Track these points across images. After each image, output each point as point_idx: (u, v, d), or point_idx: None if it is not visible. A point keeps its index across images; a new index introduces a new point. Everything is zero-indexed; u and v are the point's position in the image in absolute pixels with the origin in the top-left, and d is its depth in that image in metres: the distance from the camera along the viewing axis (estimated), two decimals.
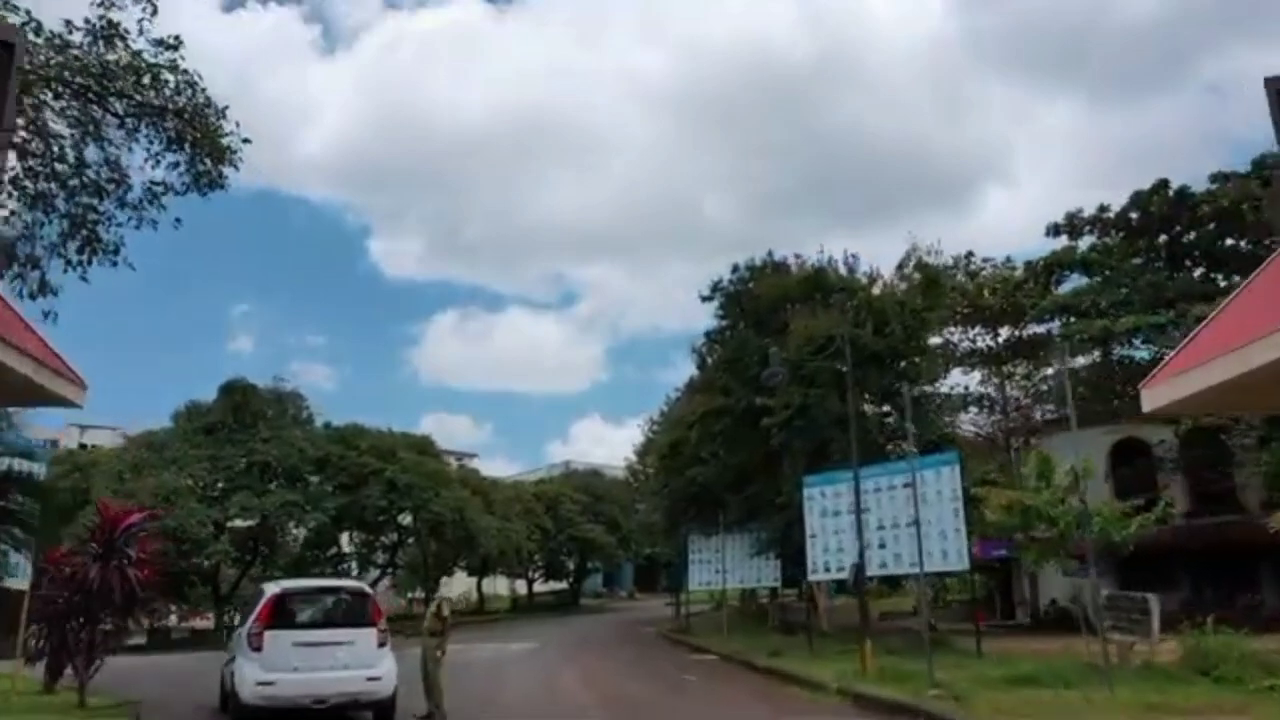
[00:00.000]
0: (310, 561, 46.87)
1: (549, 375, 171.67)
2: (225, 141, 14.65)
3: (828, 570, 21.74)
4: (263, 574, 48.00)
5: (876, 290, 25.10)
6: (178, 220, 15.08)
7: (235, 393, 43.75)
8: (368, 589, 16.08)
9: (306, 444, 43.26)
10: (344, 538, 48.46)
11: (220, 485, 41.62)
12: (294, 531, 42.31)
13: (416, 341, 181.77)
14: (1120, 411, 34.01)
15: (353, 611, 14.39)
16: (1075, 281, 34.57)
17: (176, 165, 15.24)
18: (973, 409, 37.85)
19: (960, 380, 37.57)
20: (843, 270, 26.78)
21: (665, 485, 35.50)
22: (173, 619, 45.42)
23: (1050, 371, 35.07)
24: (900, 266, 25.94)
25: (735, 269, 31.22)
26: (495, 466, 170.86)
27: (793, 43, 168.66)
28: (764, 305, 28.41)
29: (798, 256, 28.30)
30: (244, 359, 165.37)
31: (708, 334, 31.44)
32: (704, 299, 31.44)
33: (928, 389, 21.68)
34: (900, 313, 22.77)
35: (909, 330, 22.77)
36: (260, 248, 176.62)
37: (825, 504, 22.02)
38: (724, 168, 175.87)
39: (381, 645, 13.97)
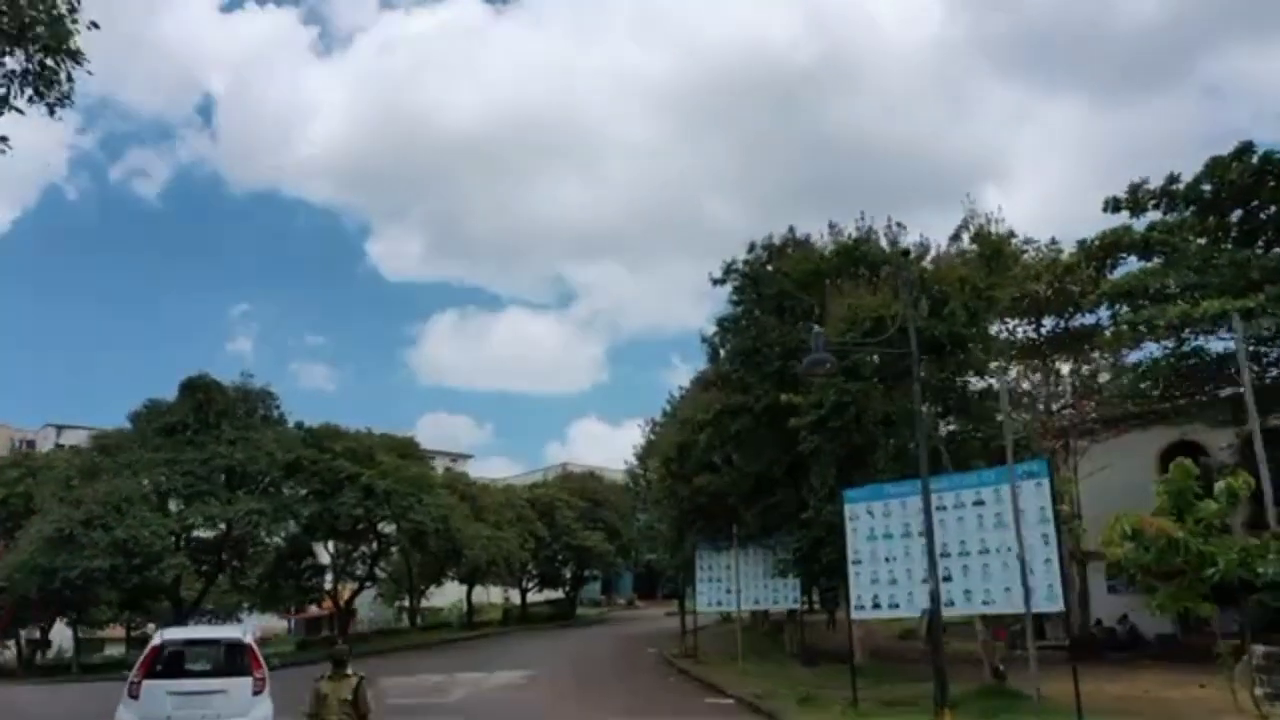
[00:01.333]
0: (285, 574, 42.63)
1: (548, 376, 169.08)
2: (70, 29, 10.37)
3: (877, 606, 17.38)
4: (233, 585, 43.89)
5: (928, 264, 20.73)
6: None
7: (197, 391, 39.39)
8: (246, 639, 15.50)
9: (276, 446, 38.89)
10: (323, 546, 44.11)
11: (179, 492, 37.27)
12: (267, 540, 37.84)
13: (415, 342, 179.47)
14: (1184, 410, 29.65)
15: (229, 662, 14.76)
16: (1128, 265, 30.28)
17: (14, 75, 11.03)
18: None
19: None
20: (884, 243, 22.47)
21: (671, 493, 31.16)
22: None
23: (1102, 365, 30.63)
24: (955, 237, 21.75)
25: (752, 248, 26.92)
26: (494, 466, 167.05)
27: (794, 43, 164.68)
28: (789, 286, 24.13)
29: (832, 227, 23.93)
30: (244, 359, 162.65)
31: (721, 322, 27.13)
32: (716, 282, 27.14)
33: (991, 383, 17.39)
34: (961, 291, 18.45)
35: (972, 312, 18.44)
36: (260, 250, 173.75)
37: (873, 524, 17.66)
38: (725, 168, 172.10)
39: (257, 693, 14.39)
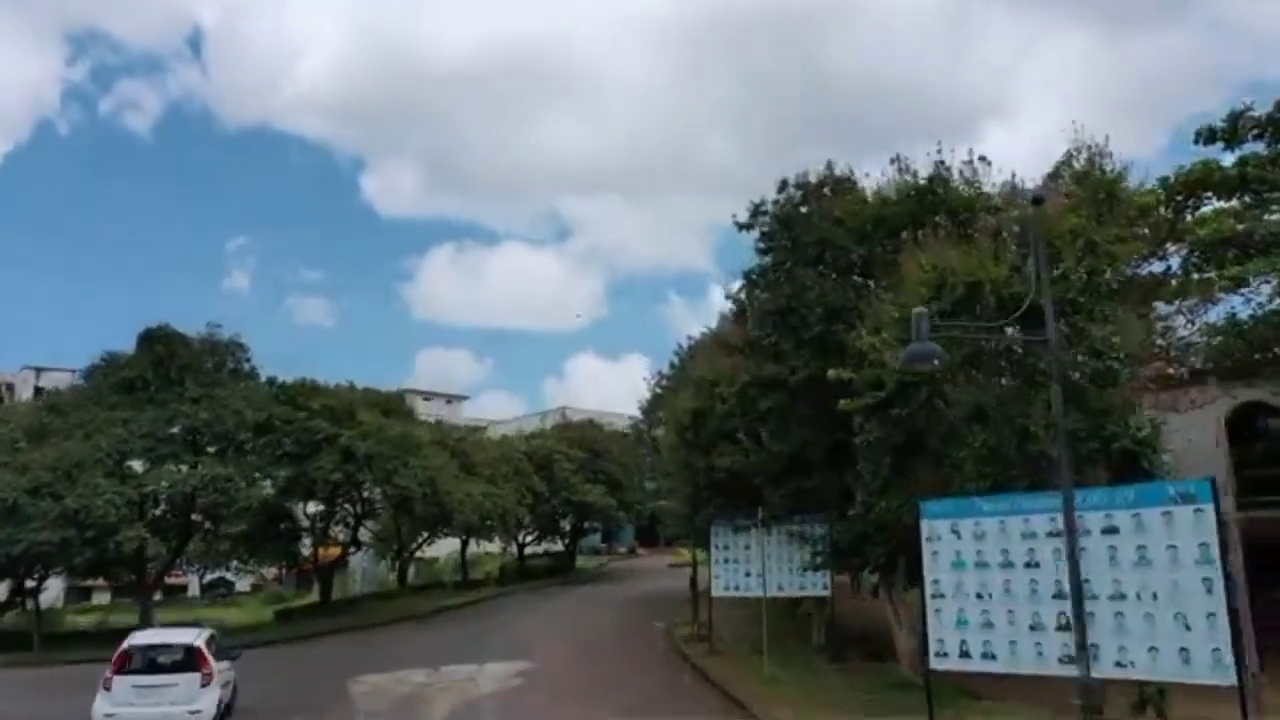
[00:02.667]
0: (264, 535, 38.83)
1: (545, 312, 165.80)
2: None
3: (965, 655, 13.39)
4: (205, 552, 40.24)
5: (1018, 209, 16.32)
6: None
7: (156, 343, 35.11)
8: (197, 643, 17.97)
9: (245, 404, 34.77)
10: (304, 508, 40.31)
11: (137, 455, 33.23)
12: (242, 503, 33.78)
13: (412, 277, 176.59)
14: (1253, 369, 25.60)
15: (182, 661, 17.55)
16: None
17: None
18: None
19: None
20: (958, 183, 17.99)
21: (685, 465, 27.14)
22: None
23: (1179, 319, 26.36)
24: (1054, 176, 17.36)
25: (783, 186, 22.43)
26: (492, 402, 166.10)
27: None
28: (838, 235, 19.79)
29: (894, 161, 19.26)
30: (240, 295, 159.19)
31: (748, 275, 22.74)
32: (741, 226, 22.71)
33: (1115, 365, 13.22)
34: (1072, 246, 14.09)
35: (1091, 274, 14.10)
36: (253, 185, 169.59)
37: (960, 548, 13.60)
38: (726, 104, 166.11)
39: (204, 686, 17.28)
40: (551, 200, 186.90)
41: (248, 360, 37.57)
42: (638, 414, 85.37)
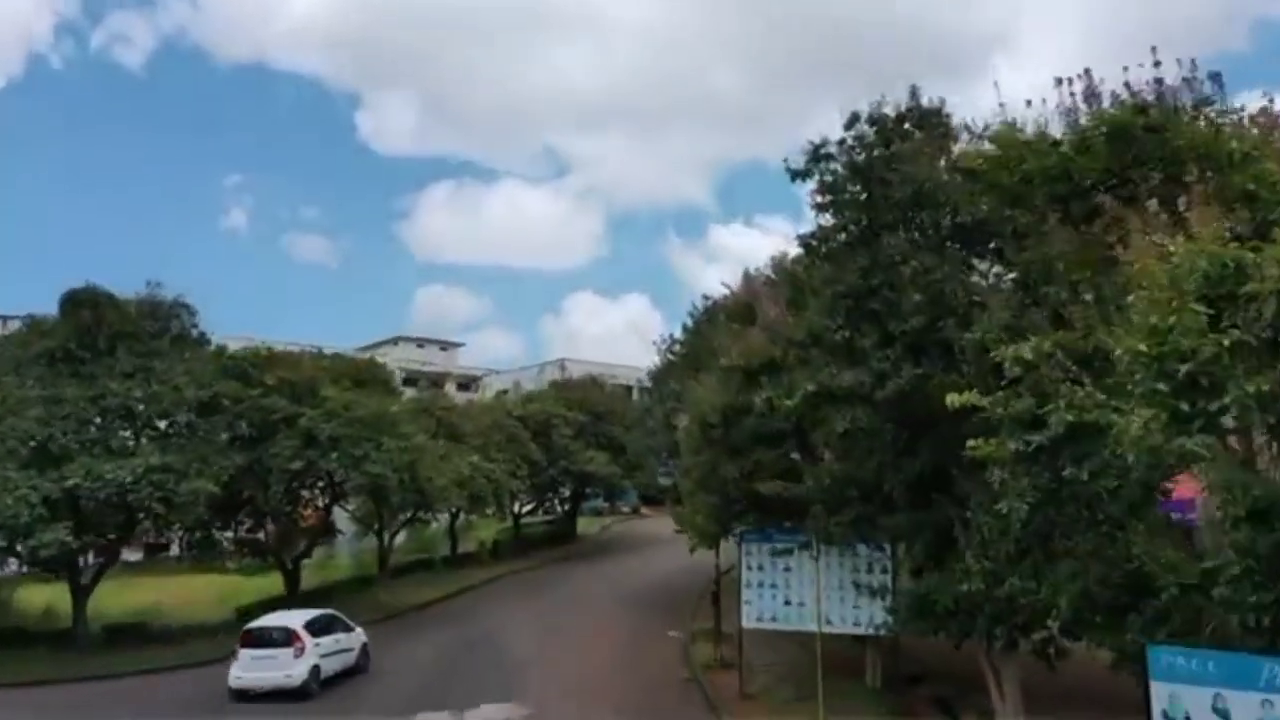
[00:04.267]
0: (219, 525, 33.22)
1: (545, 250, 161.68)
2: None
3: None
4: (156, 542, 34.80)
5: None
6: None
7: (82, 306, 29.20)
8: (293, 625, 23.48)
9: (188, 379, 28.96)
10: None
11: (58, 442, 27.49)
12: (184, 498, 28.16)
13: (409, 215, 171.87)
14: None
15: (282, 639, 22.93)
16: None
17: None
18: None
19: None
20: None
21: (711, 469, 21.46)
22: None
23: None
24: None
25: (852, 122, 16.32)
26: (491, 341, 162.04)
27: None
28: (950, 193, 13.89)
29: (1063, 82, 12.89)
30: (238, 234, 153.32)
31: (808, 241, 16.77)
32: (795, 175, 16.67)
33: None
34: None
35: None
36: (248, 123, 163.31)
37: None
38: (729, 37, 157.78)
39: (297, 657, 22.61)
40: (550, 137, 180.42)
41: (195, 325, 31.63)
42: (641, 368, 79.91)
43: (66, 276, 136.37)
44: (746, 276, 34.28)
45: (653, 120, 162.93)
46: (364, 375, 34.69)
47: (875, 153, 15.83)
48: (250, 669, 22.51)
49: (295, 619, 24.10)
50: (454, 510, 41.00)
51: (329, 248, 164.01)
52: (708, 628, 27.81)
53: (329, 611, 25.78)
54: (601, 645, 28.27)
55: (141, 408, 28.28)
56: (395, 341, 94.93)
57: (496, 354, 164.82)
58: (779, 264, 29.80)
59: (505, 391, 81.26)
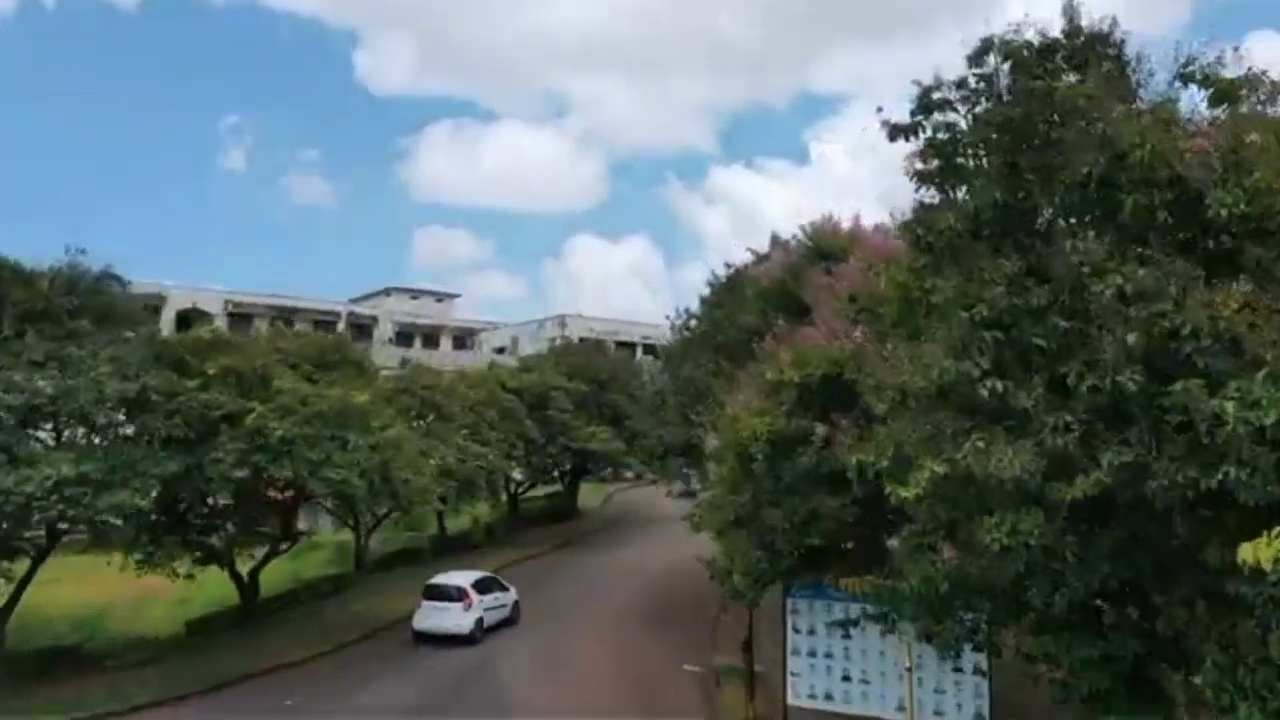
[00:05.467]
0: (165, 528, 28.01)
1: (545, 192, 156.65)
2: None
3: None
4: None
5: None
6: None
7: None
8: (462, 584, 27.94)
9: (111, 370, 23.65)
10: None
11: None
12: (104, 515, 23.11)
13: (409, 157, 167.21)
14: None
15: (454, 594, 27.55)
16: None
17: None
18: None
19: None
20: None
21: (752, 512, 16.19)
22: None
23: None
24: None
25: (982, 53, 10.87)
26: (492, 284, 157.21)
27: None
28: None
29: None
30: (236, 175, 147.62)
31: (914, 232, 11.24)
32: (897, 133, 11.21)
33: None
34: None
35: None
36: (244, 63, 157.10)
37: None
38: None
39: (466, 610, 27.14)
40: (550, 78, 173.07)
41: (128, 297, 26.25)
42: (644, 324, 74.38)
43: (58, 224, 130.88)
44: (778, 243, 28.89)
45: (654, 61, 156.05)
46: (330, 357, 29.27)
47: (1032, 88, 10.32)
48: (430, 617, 27.34)
49: (465, 579, 28.61)
50: (441, 497, 35.94)
51: (327, 189, 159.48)
52: (734, 665, 23.03)
53: (490, 574, 30.38)
54: (605, 686, 23.42)
55: (52, 408, 23.00)
56: (388, 292, 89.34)
57: (497, 296, 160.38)
58: (824, 230, 24.40)
59: (502, 349, 76.24)
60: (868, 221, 24.59)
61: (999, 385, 9.00)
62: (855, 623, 15.64)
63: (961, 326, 9.41)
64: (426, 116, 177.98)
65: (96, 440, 23.90)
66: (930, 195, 11.71)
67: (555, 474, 48.84)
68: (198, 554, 28.73)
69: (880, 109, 11.56)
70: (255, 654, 26.20)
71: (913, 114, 11.30)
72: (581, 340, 69.36)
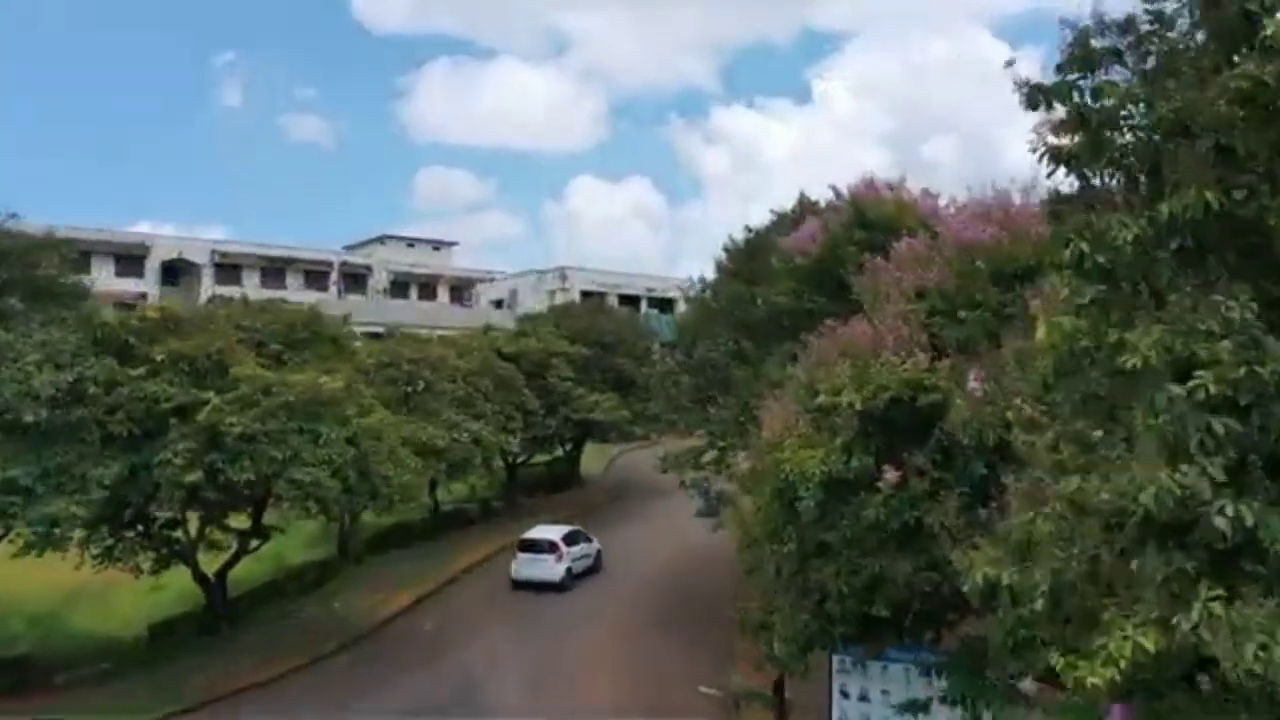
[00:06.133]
0: (124, 523, 24.86)
1: (545, 132, 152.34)
2: None
3: None
4: None
5: None
6: None
7: None
8: (553, 537, 30.56)
9: (40, 358, 20.30)
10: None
11: None
12: (34, 528, 20.00)
13: (407, 96, 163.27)
14: None
15: (546, 547, 30.13)
16: None
17: None
18: None
19: None
20: None
21: (797, 567, 12.92)
22: None
23: None
24: None
25: None
26: (493, 224, 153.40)
27: None
28: None
29: None
30: (234, 113, 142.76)
31: (1086, 232, 7.70)
32: (1039, 100, 7.75)
33: None
34: None
35: None
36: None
37: None
38: None
39: (557, 561, 29.77)
40: (549, 14, 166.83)
41: (65, 272, 22.80)
42: (648, 276, 70.61)
43: (46, 162, 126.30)
44: (809, 207, 25.33)
45: None
46: (300, 334, 25.81)
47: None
48: (525, 567, 30.02)
49: (556, 534, 31.09)
50: (432, 481, 32.82)
51: (325, 128, 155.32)
52: (758, 691, 20.09)
53: (577, 528, 32.62)
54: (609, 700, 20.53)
55: None
56: (383, 240, 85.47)
57: (498, 237, 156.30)
58: (866, 195, 20.74)
59: (501, 302, 72.71)
60: (879, 178, 21.04)
61: (1244, 511, 5.63)
62: (925, 707, 12.49)
63: (1174, 407, 6.00)
64: (424, 55, 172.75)
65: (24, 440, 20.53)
66: (1069, 182, 8.30)
67: (557, 442, 45.68)
68: (161, 551, 25.75)
69: (1011, 62, 8.07)
70: (220, 670, 23.28)
71: (1060, 69, 7.79)
72: (583, 294, 65.88)
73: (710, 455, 25.20)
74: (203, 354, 21.78)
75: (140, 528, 24.35)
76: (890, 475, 11.43)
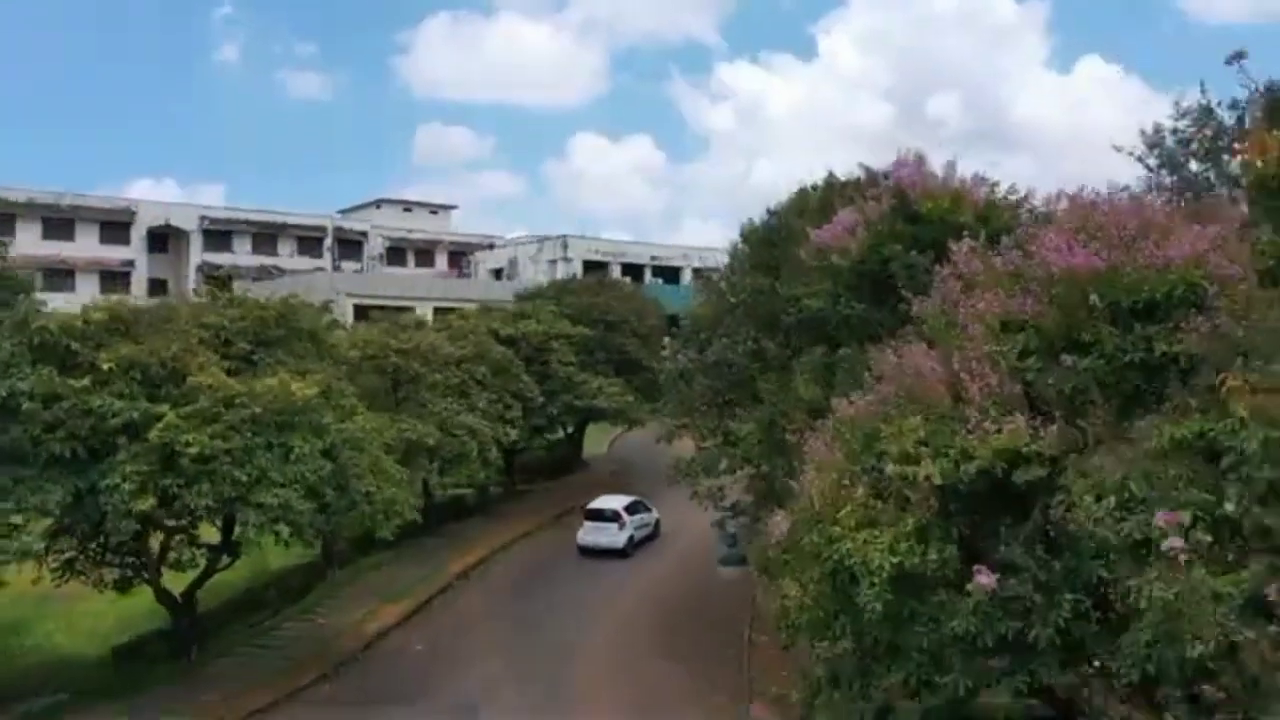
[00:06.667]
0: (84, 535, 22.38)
1: (546, 87, 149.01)
2: None
3: None
4: None
5: None
6: None
7: None
8: (618, 508, 32.13)
9: None
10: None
11: None
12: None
13: (407, 51, 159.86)
14: None
15: (610, 515, 31.76)
16: None
17: None
18: None
19: None
20: None
21: (859, 660, 10.34)
22: None
23: None
24: None
25: None
26: (494, 183, 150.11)
27: None
28: None
29: None
30: (230, 68, 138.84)
31: None
32: None
33: None
34: None
35: None
36: None
37: None
38: None
39: (620, 529, 31.33)
40: None
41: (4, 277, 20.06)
42: (650, 244, 67.55)
43: (41, 121, 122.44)
44: (836, 188, 22.43)
45: None
46: (273, 332, 22.99)
47: None
48: (590, 534, 31.58)
49: (619, 503, 32.73)
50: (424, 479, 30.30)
51: (324, 83, 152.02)
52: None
53: (639, 498, 33.81)
54: None
55: None
56: (379, 204, 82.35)
57: (499, 195, 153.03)
58: (912, 181, 17.82)
59: (500, 272, 69.78)
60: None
61: None
62: None
63: None
64: (424, 9, 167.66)
65: None
66: None
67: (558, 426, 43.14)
68: (124, 567, 23.38)
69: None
70: (183, 702, 20.88)
71: None
72: (585, 264, 63.00)
73: (730, 471, 22.65)
74: (156, 361, 19.09)
75: (100, 540, 21.90)
76: (984, 580, 8.84)
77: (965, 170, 17.67)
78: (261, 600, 27.57)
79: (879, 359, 12.17)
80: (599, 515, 32.05)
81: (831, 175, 24.25)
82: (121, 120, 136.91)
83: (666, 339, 29.78)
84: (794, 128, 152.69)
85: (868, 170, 21.54)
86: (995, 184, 18.03)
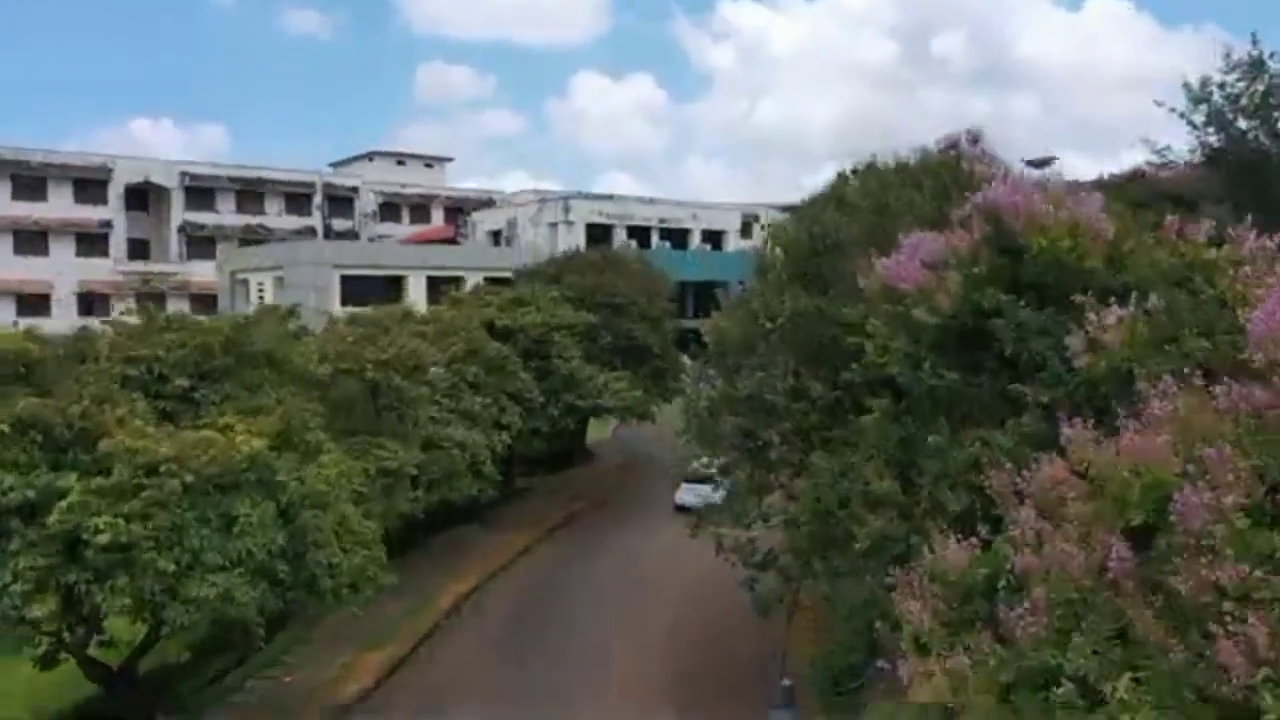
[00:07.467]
0: None
1: (547, 23, 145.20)
2: None
3: None
4: None
5: None
6: None
7: None
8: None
9: None
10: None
11: None
12: None
13: None
14: None
15: (703, 479, 26.66)
16: None
17: None
18: None
19: None
20: None
21: None
22: None
23: None
24: None
25: None
26: (495, 123, 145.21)
27: None
28: None
29: None
30: (228, 8, 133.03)
31: None
32: None
33: None
34: None
35: None
36: None
37: None
38: None
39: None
40: None
41: None
42: (658, 201, 63.03)
43: (35, 68, 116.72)
44: (882, 176, 18.29)
45: None
46: (217, 361, 18.98)
47: None
48: (687, 494, 31.38)
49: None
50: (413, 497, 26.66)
51: (323, 21, 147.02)
52: None
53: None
54: None
55: None
56: (370, 157, 77.62)
57: (500, 135, 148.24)
58: (1010, 205, 13.70)
59: (498, 234, 65.41)
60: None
61: None
62: None
63: None
64: None
65: None
66: None
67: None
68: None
69: None
70: None
71: None
72: (588, 227, 58.69)
73: (763, 519, 18.94)
74: (60, 419, 15.20)
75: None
76: None
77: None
78: (221, 645, 24.05)
79: (999, 475, 8.63)
80: (695, 479, 30.27)
81: (874, 159, 20.25)
82: (117, 59, 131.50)
83: (687, 360, 26.07)
84: (797, 66, 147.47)
85: (923, 152, 18.02)
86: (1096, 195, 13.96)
